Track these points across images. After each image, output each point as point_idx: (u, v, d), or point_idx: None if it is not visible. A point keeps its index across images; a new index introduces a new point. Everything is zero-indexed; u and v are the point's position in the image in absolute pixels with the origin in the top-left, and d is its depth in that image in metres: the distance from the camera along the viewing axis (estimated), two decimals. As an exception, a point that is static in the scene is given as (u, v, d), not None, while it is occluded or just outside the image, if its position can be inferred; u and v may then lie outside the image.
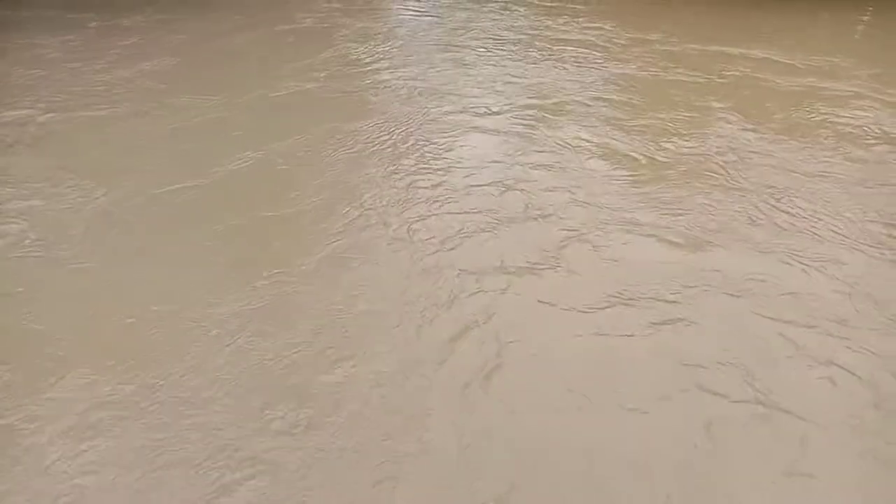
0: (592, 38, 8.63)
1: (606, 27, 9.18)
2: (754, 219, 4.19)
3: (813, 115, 5.90)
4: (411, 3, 11.33)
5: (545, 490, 2.39)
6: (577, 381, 2.84)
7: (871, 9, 10.24)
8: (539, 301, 3.37)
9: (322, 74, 7.35)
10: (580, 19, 9.67)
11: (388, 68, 7.68)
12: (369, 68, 7.68)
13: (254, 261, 3.83)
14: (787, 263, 3.68)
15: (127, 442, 2.61)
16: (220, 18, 10.14)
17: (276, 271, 3.71)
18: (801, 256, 3.75)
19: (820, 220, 4.15)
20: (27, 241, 4.15)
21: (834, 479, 2.41)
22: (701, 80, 6.97)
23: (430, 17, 10.35)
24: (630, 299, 3.36)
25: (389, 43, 8.82)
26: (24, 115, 6.37)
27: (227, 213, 4.41)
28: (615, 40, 8.56)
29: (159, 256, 3.99)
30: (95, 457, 2.56)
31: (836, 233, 4.01)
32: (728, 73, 7.17)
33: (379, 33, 9.24)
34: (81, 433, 2.66)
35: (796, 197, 4.44)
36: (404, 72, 7.50)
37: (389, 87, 7.03)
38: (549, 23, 9.56)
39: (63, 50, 8.43)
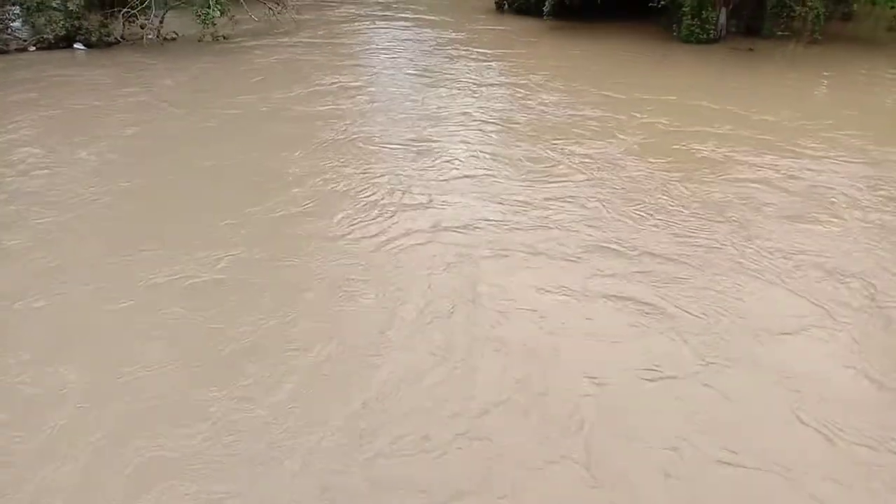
0: (522, 83, 10.88)
1: (537, 76, 11.36)
2: (599, 197, 6.38)
3: (700, 150, 7.75)
4: (381, 47, 13.96)
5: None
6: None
7: (827, 73, 12.39)
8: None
9: (301, 95, 10.03)
10: (517, 69, 11.92)
11: (351, 95, 10.16)
12: (336, 94, 10.18)
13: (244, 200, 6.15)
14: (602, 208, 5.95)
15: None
16: (212, 57, 12.89)
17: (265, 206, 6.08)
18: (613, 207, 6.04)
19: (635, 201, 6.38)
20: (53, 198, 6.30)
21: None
22: (610, 116, 8.97)
23: (394, 60, 12.79)
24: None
25: (357, 78, 11.25)
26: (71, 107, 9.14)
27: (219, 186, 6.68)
28: (542, 85, 10.73)
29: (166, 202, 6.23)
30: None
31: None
32: (643, 111, 9.16)
33: (348, 73, 11.55)
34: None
35: (626, 187, 6.66)
36: (366, 96, 10.10)
37: (351, 104, 9.57)
38: (488, 70, 11.97)
39: (104, 77, 11.33)
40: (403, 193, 6.39)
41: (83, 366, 3.90)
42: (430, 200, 6.23)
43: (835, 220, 5.86)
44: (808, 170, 7.06)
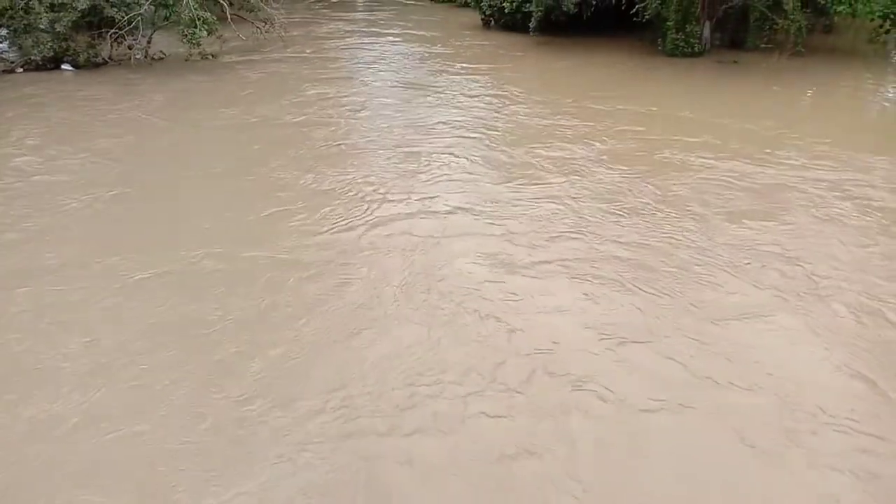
0: (504, 94, 11.37)
1: (520, 88, 11.79)
2: (559, 189, 6.89)
3: (673, 155, 8.13)
4: (368, 61, 14.47)
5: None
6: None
7: (811, 84, 12.80)
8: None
9: (288, 106, 10.59)
10: (501, 82, 12.36)
11: (339, 105, 10.77)
12: (324, 104, 10.78)
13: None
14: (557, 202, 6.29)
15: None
16: (200, 74, 13.25)
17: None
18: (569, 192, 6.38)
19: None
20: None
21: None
22: (589, 125, 9.39)
23: (381, 73, 13.28)
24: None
25: (345, 90, 11.74)
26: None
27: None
28: (525, 96, 11.19)
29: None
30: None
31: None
32: (621, 121, 9.57)
33: (336, 86, 12.00)
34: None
35: (595, 181, 7.21)
36: (354, 106, 10.75)
37: (338, 114, 10.22)
38: (473, 82, 12.43)
39: (93, 94, 11.69)
40: (388, 194, 6.82)
41: (75, 351, 4.17)
42: (413, 199, 6.69)
43: (789, 216, 6.29)
44: (777, 173, 7.42)
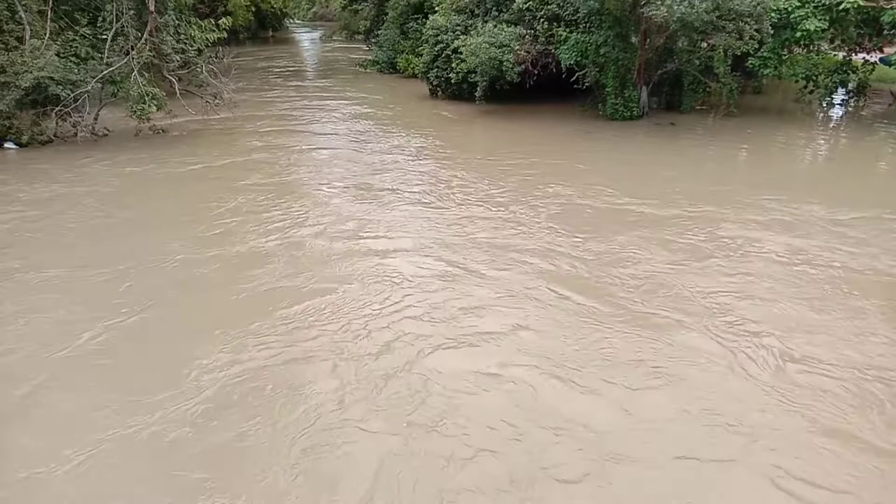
0: (438, 150, 12.93)
1: (452, 147, 13.16)
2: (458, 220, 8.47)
3: (578, 198, 9.60)
4: (318, 123, 15.63)
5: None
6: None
7: (745, 141, 13.74)
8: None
9: (239, 156, 12.26)
10: (441, 143, 13.42)
11: (288, 154, 12.12)
12: (273, 153, 12.15)
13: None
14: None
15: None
16: (149, 140, 13.45)
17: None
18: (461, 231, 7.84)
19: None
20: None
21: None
22: (489, 178, 10.77)
23: (329, 133, 14.43)
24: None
25: (296, 142, 13.03)
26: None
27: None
28: (456, 153, 12.70)
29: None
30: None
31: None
32: (537, 173, 10.91)
33: (285, 139, 12.74)
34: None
35: (487, 217, 8.97)
36: (302, 154, 12.33)
37: (279, 155, 11.85)
38: (414, 138, 13.54)
39: (40, 163, 11.91)
40: (322, 213, 9.20)
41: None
42: (352, 217, 8.95)
43: (638, 232, 8.45)
44: (657, 209, 9.12)
